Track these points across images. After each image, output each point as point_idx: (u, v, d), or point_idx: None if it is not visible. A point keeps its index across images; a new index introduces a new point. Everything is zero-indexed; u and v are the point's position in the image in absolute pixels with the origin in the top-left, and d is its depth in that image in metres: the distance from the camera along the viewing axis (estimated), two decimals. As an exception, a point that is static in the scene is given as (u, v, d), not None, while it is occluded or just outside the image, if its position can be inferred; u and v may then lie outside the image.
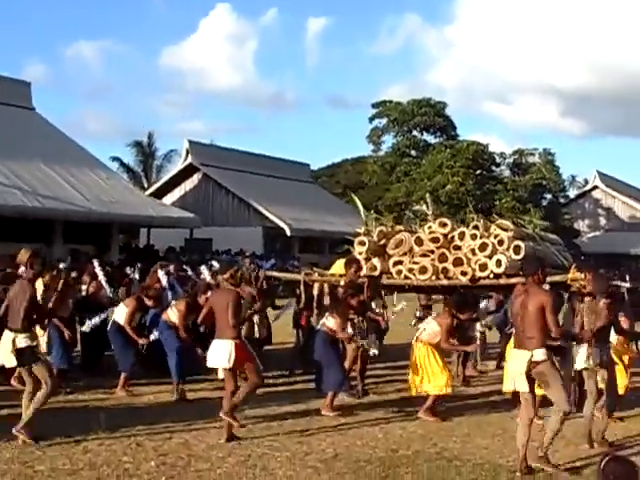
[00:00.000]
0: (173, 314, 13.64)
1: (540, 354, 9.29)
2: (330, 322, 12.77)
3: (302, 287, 14.39)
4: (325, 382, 12.59)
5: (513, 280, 12.09)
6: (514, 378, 9.55)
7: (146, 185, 63.77)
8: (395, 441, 10.87)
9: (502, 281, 12.21)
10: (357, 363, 14.01)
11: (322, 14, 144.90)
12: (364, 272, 13.14)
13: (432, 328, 12.42)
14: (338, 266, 13.96)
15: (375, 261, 13.20)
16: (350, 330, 13.00)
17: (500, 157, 67.04)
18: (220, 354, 10.66)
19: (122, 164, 65.26)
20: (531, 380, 9.43)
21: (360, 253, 13.36)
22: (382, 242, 13.46)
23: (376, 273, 13.18)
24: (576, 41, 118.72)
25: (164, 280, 15.57)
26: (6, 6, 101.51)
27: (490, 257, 12.19)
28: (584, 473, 9.40)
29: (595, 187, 76.23)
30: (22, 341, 10.22)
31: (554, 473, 9.27)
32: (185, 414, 12.08)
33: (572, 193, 79.58)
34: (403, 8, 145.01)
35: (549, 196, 68.38)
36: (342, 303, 12.79)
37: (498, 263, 12.09)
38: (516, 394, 12.39)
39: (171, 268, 17.34)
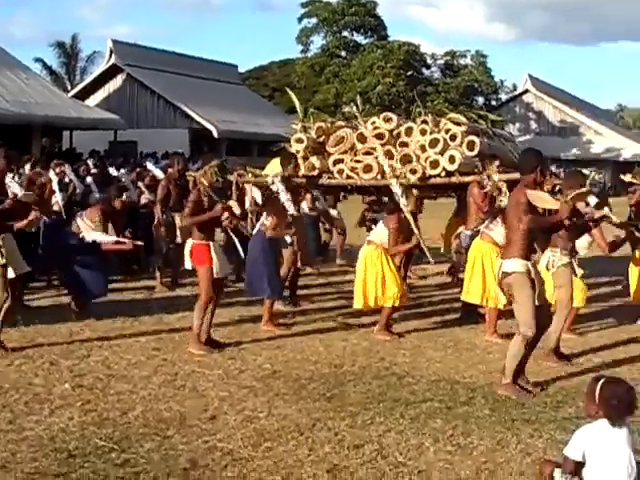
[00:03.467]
0: (84, 225, 12.10)
1: (509, 265, 8.30)
2: (268, 222, 11.55)
3: (234, 189, 13.23)
4: (261, 288, 11.35)
5: (467, 178, 11.15)
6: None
7: (69, 88, 61.47)
8: (338, 355, 9.85)
9: (454, 179, 11.19)
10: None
11: None
12: (302, 172, 12.05)
13: (383, 228, 11.16)
14: (273, 165, 12.78)
15: (314, 160, 12.06)
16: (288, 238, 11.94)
17: (431, 59, 66.12)
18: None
19: (45, 66, 62.87)
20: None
21: (297, 151, 12.20)
22: (321, 139, 12.32)
23: (315, 173, 12.08)
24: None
25: (55, 181, 14.16)
26: None
27: (442, 154, 11.14)
28: (550, 391, 8.47)
29: (526, 91, 75.41)
30: None
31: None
32: (104, 328, 10.99)
33: (501, 98, 78.94)
34: None
35: (481, 99, 67.61)
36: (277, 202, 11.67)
37: (451, 159, 11.03)
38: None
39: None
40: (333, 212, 18.85)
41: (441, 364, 9.52)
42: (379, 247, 11.00)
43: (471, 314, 11.78)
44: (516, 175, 10.63)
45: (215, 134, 49.85)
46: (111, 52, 53.52)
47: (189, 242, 10.07)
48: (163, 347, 9.93)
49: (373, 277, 10.93)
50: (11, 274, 9.64)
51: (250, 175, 13.04)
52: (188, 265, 10.20)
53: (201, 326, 9.91)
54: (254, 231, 11.78)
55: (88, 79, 57.44)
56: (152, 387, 8.26)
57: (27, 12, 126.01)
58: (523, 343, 8.29)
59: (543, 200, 8.24)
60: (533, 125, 75.35)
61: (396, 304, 10.97)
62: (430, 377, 8.89)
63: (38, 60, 61.96)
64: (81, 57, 66.28)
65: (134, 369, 8.95)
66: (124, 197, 12.58)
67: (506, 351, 8.57)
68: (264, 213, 11.71)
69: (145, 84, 52.89)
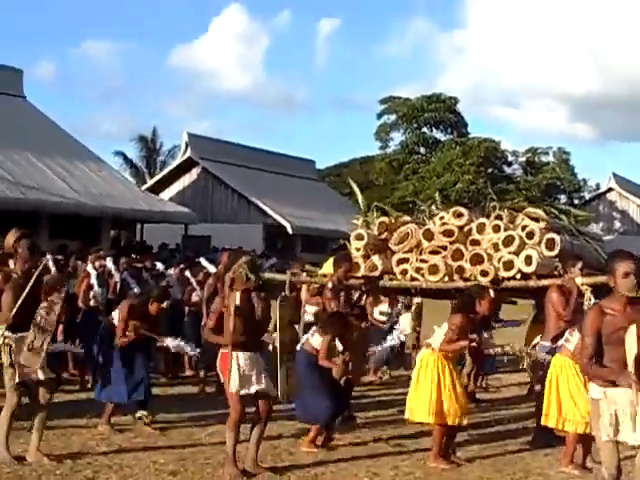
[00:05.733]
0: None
1: (593, 390, 6.64)
2: (315, 340, 10.05)
3: (287, 289, 11.98)
4: (306, 413, 9.95)
5: (545, 282, 9.74)
6: None
7: (148, 181, 61.60)
8: (386, 487, 8.28)
9: (532, 283, 9.79)
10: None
11: (334, 15, 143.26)
12: (362, 272, 10.75)
13: (445, 332, 9.53)
14: (329, 265, 11.52)
15: (375, 259, 10.84)
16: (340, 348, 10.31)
17: (512, 155, 64.98)
18: None
19: (125, 159, 63.16)
20: None
21: (357, 249, 11.01)
22: (384, 236, 11.11)
23: (376, 273, 10.79)
24: (585, 47, 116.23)
25: (93, 275, 13.11)
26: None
27: (517, 253, 9.78)
28: None
29: (610, 189, 73.94)
30: None
31: None
32: (123, 442, 9.70)
33: (584, 196, 77.42)
34: (413, 12, 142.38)
35: (563, 197, 66.15)
36: (333, 316, 10.25)
37: (527, 260, 9.65)
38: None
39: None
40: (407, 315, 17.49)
41: (508, 505, 7.96)
42: (441, 357, 9.52)
43: (545, 437, 10.15)
44: (603, 278, 9.28)
45: (289, 230, 49.12)
46: (187, 145, 53.46)
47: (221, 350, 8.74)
48: (182, 472, 8.51)
49: (427, 387, 9.38)
50: (41, 376, 8.64)
51: (304, 275, 11.95)
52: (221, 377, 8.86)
53: (235, 446, 8.50)
54: (298, 346, 10.23)
55: (163, 172, 57.43)
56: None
57: (112, 107, 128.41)
58: None
59: None
60: (617, 224, 73.55)
61: (453, 423, 9.39)
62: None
63: (118, 153, 62.24)
64: (162, 151, 66.48)
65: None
66: (165, 304, 11.10)
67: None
68: (313, 330, 10.30)
69: (220, 178, 52.68)
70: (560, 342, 9.42)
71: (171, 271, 15.80)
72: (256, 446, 8.63)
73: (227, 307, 8.52)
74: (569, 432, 9.17)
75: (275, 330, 8.54)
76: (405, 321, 16.62)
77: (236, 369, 8.42)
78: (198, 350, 11.11)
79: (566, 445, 9.29)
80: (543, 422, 9.48)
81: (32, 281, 8.58)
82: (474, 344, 9.69)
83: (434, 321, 10.17)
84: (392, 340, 12.79)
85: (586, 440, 9.11)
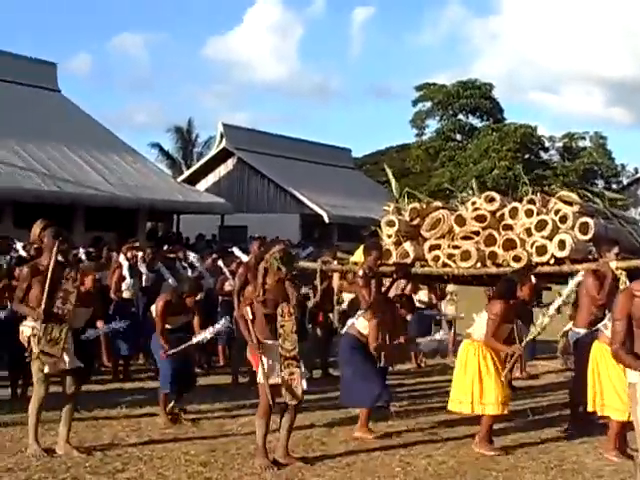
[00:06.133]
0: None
1: (630, 374, 6.54)
2: (360, 323, 10.00)
3: (318, 278, 11.87)
4: (351, 396, 9.93)
5: (579, 266, 9.53)
6: None
7: (185, 172, 61.56)
8: (418, 478, 8.16)
9: (565, 268, 9.57)
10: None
11: (368, 4, 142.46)
12: (393, 259, 10.58)
13: (485, 321, 9.37)
14: (360, 253, 11.39)
15: (407, 245, 10.65)
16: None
17: (549, 141, 64.30)
18: None
19: (161, 150, 63.17)
20: None
21: (389, 236, 10.83)
22: (415, 222, 10.90)
23: (408, 260, 10.61)
24: (621, 30, 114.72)
25: (125, 266, 13.05)
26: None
27: (550, 238, 9.59)
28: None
29: (648, 173, 73.23)
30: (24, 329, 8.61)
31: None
32: (154, 434, 9.64)
33: (623, 181, 76.54)
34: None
35: (601, 183, 65.37)
36: (383, 302, 10.17)
37: (561, 245, 9.45)
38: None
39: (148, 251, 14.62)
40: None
41: (542, 494, 7.78)
42: (481, 345, 9.38)
43: (581, 426, 9.96)
44: (638, 262, 9.12)
45: (326, 219, 48.89)
46: (222, 136, 53.31)
47: None
48: (212, 462, 8.43)
49: (469, 378, 9.28)
50: (68, 365, 8.59)
51: (335, 263, 11.81)
52: None
53: (265, 436, 8.42)
54: (343, 330, 10.34)
55: (199, 163, 57.37)
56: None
57: (147, 99, 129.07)
58: None
59: None
60: (656, 210, 72.74)
61: (497, 412, 9.24)
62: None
63: (155, 145, 62.25)
64: (198, 142, 66.45)
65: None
66: (199, 296, 11.07)
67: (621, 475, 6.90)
68: (358, 314, 10.20)
69: (256, 168, 52.49)
70: (599, 327, 9.22)
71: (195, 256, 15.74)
72: (287, 435, 8.56)
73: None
74: (613, 420, 9.00)
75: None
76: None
77: (265, 359, 8.35)
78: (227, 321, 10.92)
79: (610, 432, 9.10)
80: (590, 408, 9.28)
81: (52, 266, 8.47)
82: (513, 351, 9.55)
83: (471, 308, 10.03)
84: (444, 334, 12.64)
85: (623, 429, 8.96)
